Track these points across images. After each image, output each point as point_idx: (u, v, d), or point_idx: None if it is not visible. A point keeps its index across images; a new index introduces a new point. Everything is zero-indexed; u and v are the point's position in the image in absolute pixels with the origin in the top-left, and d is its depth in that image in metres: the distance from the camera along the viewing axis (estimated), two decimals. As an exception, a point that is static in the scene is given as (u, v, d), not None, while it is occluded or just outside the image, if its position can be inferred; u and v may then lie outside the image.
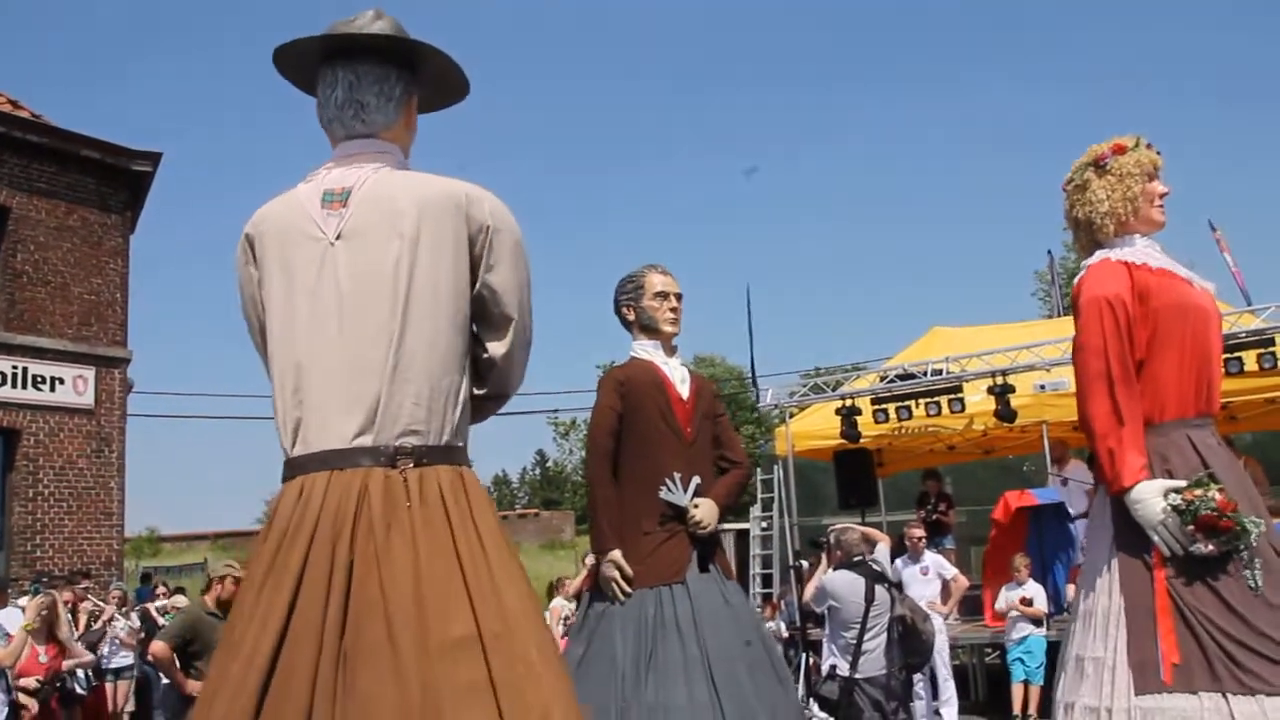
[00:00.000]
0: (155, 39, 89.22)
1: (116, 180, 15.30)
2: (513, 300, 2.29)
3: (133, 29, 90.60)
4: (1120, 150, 3.52)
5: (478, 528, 2.13)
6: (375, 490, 2.08)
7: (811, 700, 7.20)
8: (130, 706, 12.58)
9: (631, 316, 4.43)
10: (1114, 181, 3.49)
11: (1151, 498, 3.17)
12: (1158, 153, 3.51)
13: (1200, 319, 3.28)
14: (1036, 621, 9.37)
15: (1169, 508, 3.14)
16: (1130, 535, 3.26)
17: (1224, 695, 2.96)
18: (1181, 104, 67.03)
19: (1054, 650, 9.28)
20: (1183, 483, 3.17)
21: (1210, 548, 3.08)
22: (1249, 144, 66.90)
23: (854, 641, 6.24)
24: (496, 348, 2.31)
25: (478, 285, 2.26)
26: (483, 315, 2.30)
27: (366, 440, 2.12)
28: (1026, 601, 9.37)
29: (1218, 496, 3.08)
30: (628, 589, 4.10)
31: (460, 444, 2.24)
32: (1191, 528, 3.10)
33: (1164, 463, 3.26)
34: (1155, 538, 3.16)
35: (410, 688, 1.94)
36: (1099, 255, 3.50)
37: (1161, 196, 3.45)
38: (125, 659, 11.39)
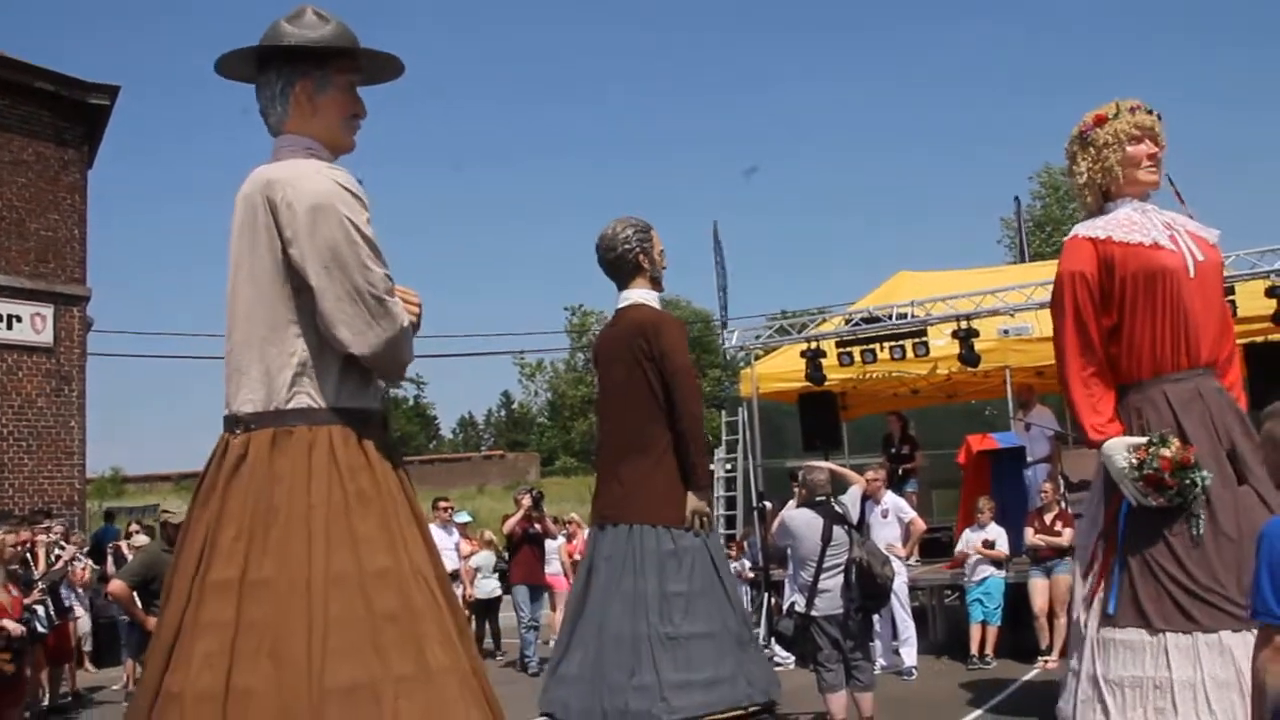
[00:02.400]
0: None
1: (72, 114, 14.94)
2: (313, 267, 2.44)
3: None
4: (1100, 121, 3.62)
5: (288, 485, 2.39)
6: (216, 454, 2.50)
7: (772, 639, 7.30)
8: (88, 646, 12.56)
9: (645, 265, 4.53)
10: (1093, 154, 3.61)
11: (1116, 454, 3.36)
12: (1149, 112, 3.58)
13: (1171, 280, 3.41)
14: (997, 564, 9.49)
15: (1127, 464, 3.31)
16: (1109, 485, 3.45)
17: (1163, 632, 3.23)
18: (1157, 50, 66.96)
19: (1011, 592, 9.42)
20: (1141, 440, 3.32)
21: (1160, 500, 3.25)
22: (1223, 94, 67.00)
23: (810, 580, 6.30)
24: (317, 314, 2.48)
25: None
26: None
27: (226, 411, 2.53)
28: (989, 544, 9.49)
29: (1165, 453, 3.23)
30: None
31: (302, 406, 2.47)
32: (1140, 483, 3.26)
33: (1139, 418, 3.46)
34: (1124, 489, 3.33)
35: (179, 621, 2.34)
36: (1072, 231, 3.69)
37: (1150, 158, 3.57)
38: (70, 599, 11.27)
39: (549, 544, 11.96)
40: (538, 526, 11.34)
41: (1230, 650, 3.13)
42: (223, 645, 2.27)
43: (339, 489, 2.39)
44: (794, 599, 6.54)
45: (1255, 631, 3.10)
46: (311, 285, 2.44)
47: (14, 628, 7.35)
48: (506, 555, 11.93)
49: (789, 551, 6.75)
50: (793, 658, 7.75)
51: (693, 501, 4.33)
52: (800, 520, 6.48)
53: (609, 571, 4.33)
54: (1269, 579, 3.06)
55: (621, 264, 4.48)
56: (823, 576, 6.25)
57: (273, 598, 2.28)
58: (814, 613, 6.22)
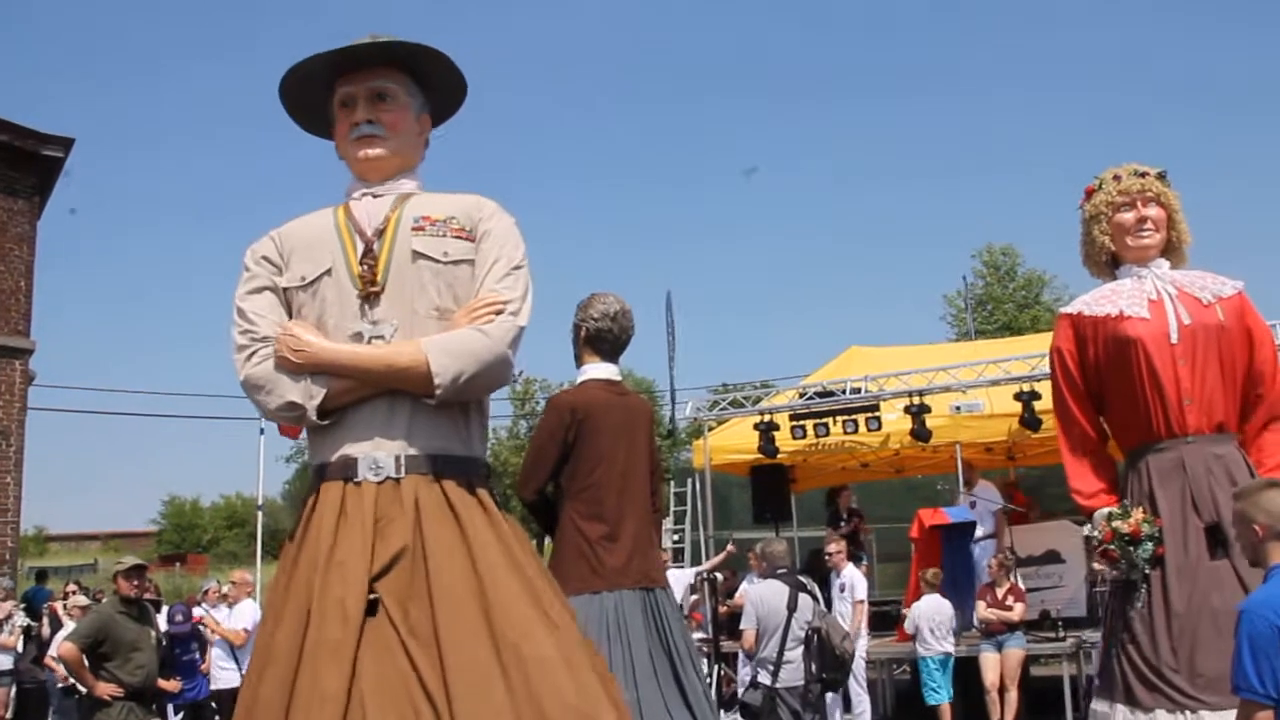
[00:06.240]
0: (74, 23, 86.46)
1: (24, 164, 14.72)
2: None
3: (50, 12, 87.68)
4: (1089, 194, 3.65)
5: None
6: None
7: (736, 710, 7.26)
8: (8, 714, 12.07)
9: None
10: (1086, 228, 3.66)
11: (1089, 525, 3.39)
12: (1141, 174, 3.54)
13: (1140, 349, 3.38)
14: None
15: (1090, 535, 3.39)
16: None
17: (1116, 704, 3.22)
18: (1133, 116, 66.52)
19: (963, 665, 9.42)
20: (1108, 511, 3.34)
21: (1114, 573, 3.27)
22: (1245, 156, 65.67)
23: (776, 652, 6.31)
24: None
25: None
26: None
27: None
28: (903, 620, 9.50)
29: (1114, 524, 3.25)
30: None
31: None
32: (1095, 553, 3.31)
33: (1127, 490, 3.46)
34: None
35: None
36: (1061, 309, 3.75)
37: (1138, 222, 3.50)
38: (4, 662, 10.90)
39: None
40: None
41: None
42: None
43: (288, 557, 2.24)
44: (758, 670, 6.53)
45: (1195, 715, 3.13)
46: None
47: None
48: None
49: (756, 623, 6.74)
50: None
51: None
52: (767, 591, 6.51)
53: (684, 637, 4.29)
54: (1250, 655, 3.11)
55: (628, 340, 4.49)
56: (787, 646, 6.26)
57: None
58: (778, 684, 6.23)
